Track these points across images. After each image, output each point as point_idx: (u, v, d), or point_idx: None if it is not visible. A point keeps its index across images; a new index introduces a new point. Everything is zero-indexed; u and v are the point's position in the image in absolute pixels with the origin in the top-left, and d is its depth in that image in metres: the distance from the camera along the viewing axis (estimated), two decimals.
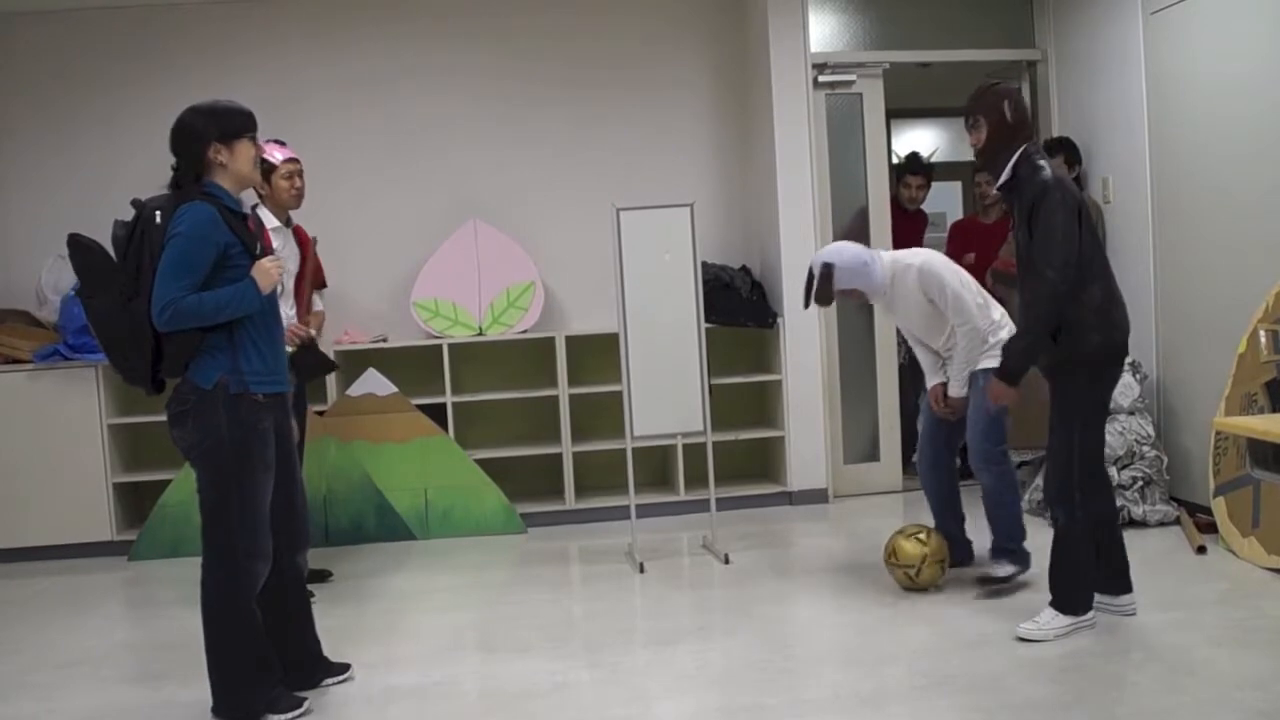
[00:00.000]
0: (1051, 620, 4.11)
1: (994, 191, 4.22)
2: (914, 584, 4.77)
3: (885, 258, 4.87)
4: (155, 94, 6.39)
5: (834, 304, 5.12)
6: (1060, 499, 4.12)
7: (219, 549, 3.59)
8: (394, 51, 6.72)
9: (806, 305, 4.89)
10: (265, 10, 6.65)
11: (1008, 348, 4.15)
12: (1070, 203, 3.96)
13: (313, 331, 5.28)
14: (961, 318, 4.71)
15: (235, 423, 3.55)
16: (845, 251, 4.83)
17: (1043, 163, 4.04)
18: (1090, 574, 4.17)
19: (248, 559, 3.60)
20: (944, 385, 4.92)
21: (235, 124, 3.63)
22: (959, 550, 4.98)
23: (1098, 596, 4.25)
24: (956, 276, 4.76)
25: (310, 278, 5.35)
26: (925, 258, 4.80)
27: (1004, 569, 4.72)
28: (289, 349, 5.08)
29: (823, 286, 4.77)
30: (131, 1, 6.52)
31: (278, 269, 3.67)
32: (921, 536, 4.79)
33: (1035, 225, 3.94)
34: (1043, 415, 4.42)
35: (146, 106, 6.42)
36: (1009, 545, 4.75)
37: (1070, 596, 4.13)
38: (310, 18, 6.68)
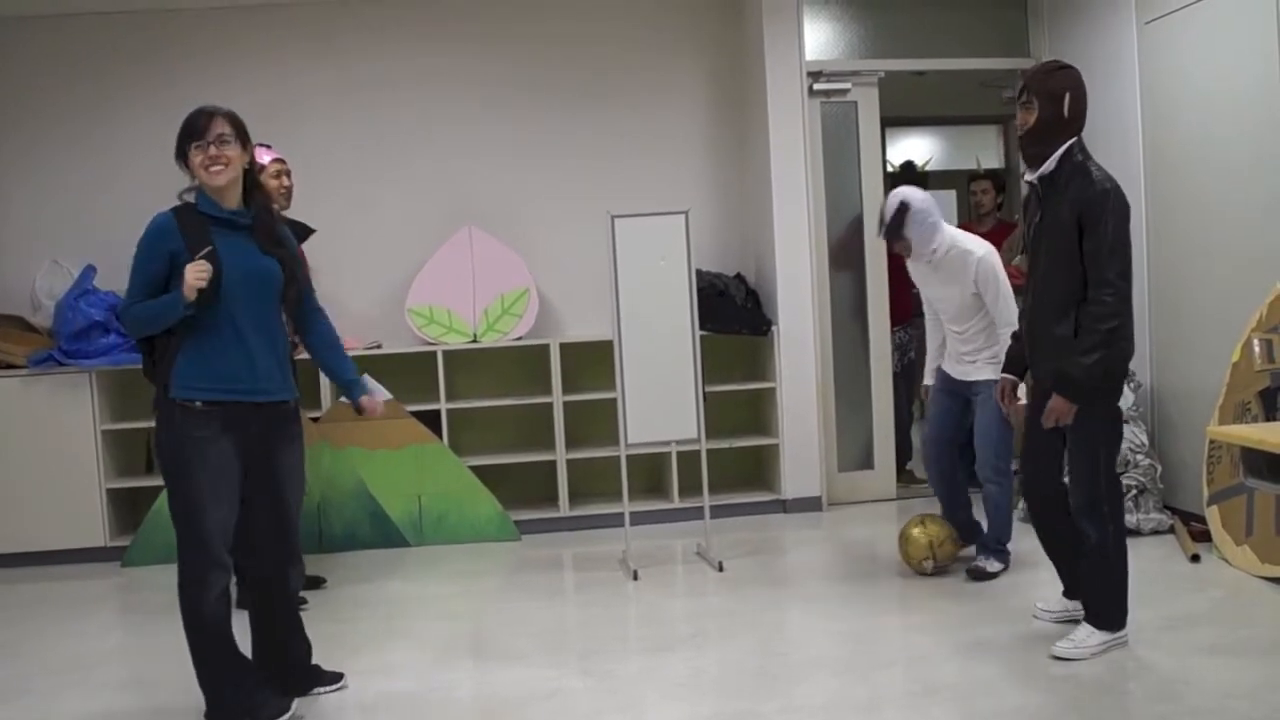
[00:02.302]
0: (1088, 637, 4.02)
1: (1027, 179, 4.09)
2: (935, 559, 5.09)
3: (949, 230, 5.00)
4: (152, 99, 6.40)
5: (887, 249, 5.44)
6: (1089, 514, 4.00)
7: (179, 555, 3.62)
8: (390, 58, 6.73)
9: (880, 234, 5.05)
10: (263, 17, 6.65)
11: (1076, 363, 3.86)
12: (1126, 210, 3.89)
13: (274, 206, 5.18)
14: (1006, 318, 4.81)
15: (171, 429, 3.58)
16: (923, 198, 4.95)
17: (1092, 165, 3.92)
18: (1126, 588, 4.08)
19: (197, 567, 3.58)
20: (930, 387, 5.25)
21: (180, 143, 3.63)
22: (971, 531, 5.21)
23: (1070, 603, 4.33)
24: (1005, 276, 4.93)
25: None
26: (987, 250, 4.93)
27: (994, 565, 5.04)
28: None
29: (893, 222, 4.90)
30: (129, 7, 6.52)
31: (194, 273, 3.50)
32: (923, 527, 5.11)
33: (1091, 230, 3.83)
34: None
35: (144, 112, 6.42)
36: (997, 545, 5.06)
37: (1109, 612, 4.06)
38: (307, 24, 6.68)
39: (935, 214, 4.95)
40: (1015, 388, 4.39)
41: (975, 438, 5.03)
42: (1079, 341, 3.87)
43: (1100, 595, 4.07)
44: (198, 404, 3.58)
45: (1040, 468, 4.22)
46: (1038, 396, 4.12)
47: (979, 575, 5.01)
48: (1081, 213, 3.86)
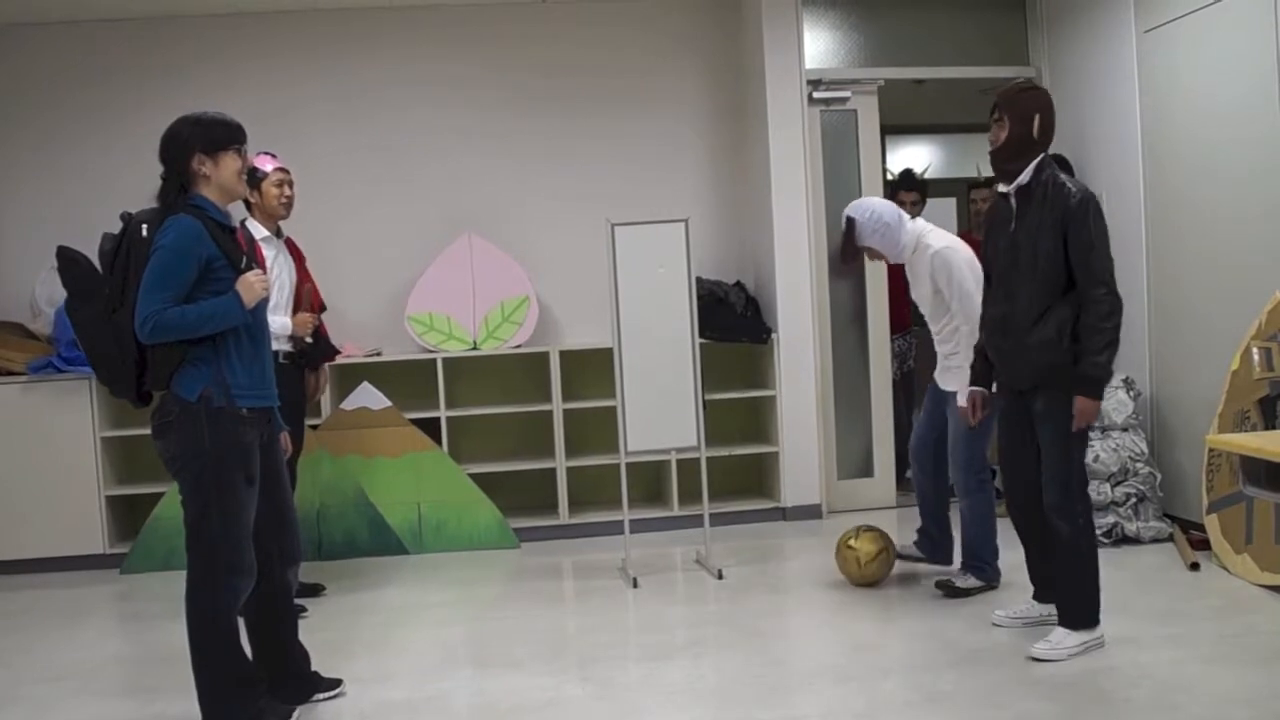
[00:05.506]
0: (1064, 638, 4.08)
1: (1001, 191, 4.19)
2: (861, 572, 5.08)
3: (914, 225, 4.93)
4: (151, 106, 6.36)
5: (861, 260, 5.40)
6: (1062, 510, 4.06)
7: (201, 563, 3.56)
8: (389, 65, 6.75)
9: (844, 261, 5.04)
10: (261, 24, 6.66)
11: (1093, 364, 3.95)
12: (1103, 216, 4.05)
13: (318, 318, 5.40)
14: (964, 316, 4.71)
15: (217, 437, 3.51)
16: (871, 208, 4.90)
17: (1063, 177, 4.07)
18: (1097, 587, 4.11)
19: (229, 574, 3.55)
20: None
21: (220, 135, 3.60)
22: (939, 552, 5.12)
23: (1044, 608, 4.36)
24: (972, 273, 4.73)
25: (308, 298, 5.34)
26: (946, 244, 4.83)
27: (967, 581, 4.90)
28: (307, 339, 5.17)
29: (845, 241, 4.86)
30: (127, 14, 6.53)
31: (262, 284, 3.62)
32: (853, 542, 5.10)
33: (1076, 235, 3.98)
34: None
35: (142, 119, 6.35)
36: (977, 562, 4.91)
37: (1081, 612, 4.10)
38: (306, 31, 6.70)
39: (887, 215, 4.86)
40: (986, 400, 4.42)
41: (949, 448, 4.90)
42: (1090, 342, 3.97)
43: (1073, 594, 4.12)
44: (244, 411, 3.58)
45: (1020, 469, 4.27)
46: (1010, 400, 4.23)
47: (949, 591, 4.87)
48: (1065, 219, 4.00)
